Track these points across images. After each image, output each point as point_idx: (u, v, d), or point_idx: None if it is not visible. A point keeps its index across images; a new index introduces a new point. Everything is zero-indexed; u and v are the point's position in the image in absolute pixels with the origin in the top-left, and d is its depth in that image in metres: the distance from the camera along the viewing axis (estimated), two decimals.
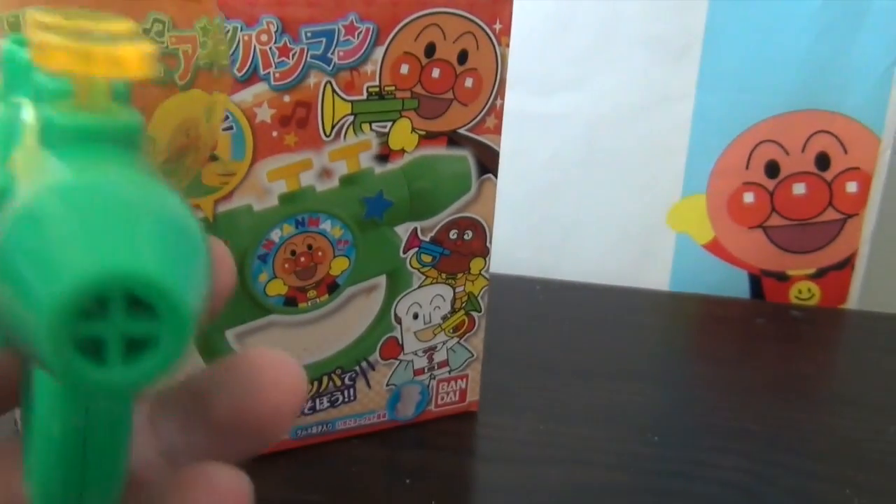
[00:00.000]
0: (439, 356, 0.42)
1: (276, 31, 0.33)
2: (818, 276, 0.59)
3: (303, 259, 0.37)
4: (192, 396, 0.17)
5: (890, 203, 0.57)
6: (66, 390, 0.14)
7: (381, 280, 0.39)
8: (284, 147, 0.35)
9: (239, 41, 0.32)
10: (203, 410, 0.17)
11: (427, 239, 0.39)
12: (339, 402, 0.41)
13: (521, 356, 0.50)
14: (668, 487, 0.40)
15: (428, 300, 0.41)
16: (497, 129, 0.39)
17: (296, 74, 0.34)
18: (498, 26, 0.37)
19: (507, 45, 0.37)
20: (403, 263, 0.39)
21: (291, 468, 0.40)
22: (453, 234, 0.40)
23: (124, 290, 0.12)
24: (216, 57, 0.31)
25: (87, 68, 0.14)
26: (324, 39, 0.34)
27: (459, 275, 0.41)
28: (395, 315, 0.40)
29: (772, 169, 0.57)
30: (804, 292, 0.59)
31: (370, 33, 0.34)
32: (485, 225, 0.41)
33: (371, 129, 0.36)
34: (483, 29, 0.37)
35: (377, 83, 0.35)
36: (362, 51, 0.35)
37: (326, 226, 0.37)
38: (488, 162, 0.39)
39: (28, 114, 0.15)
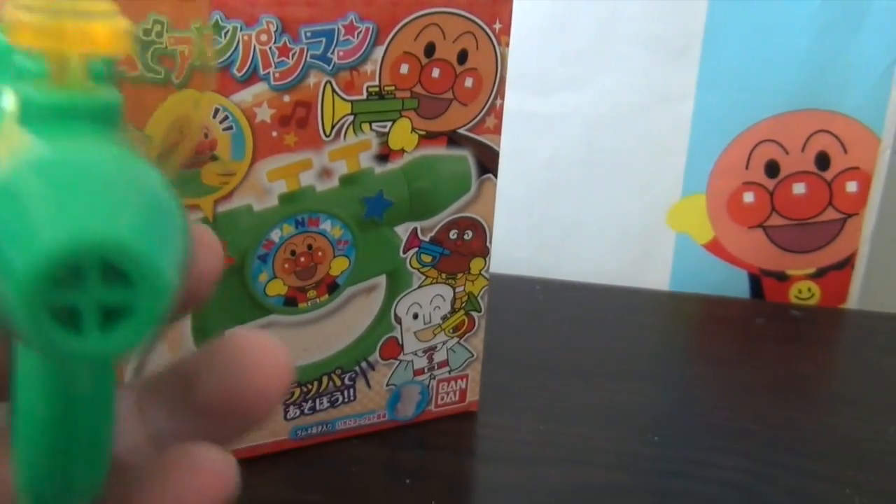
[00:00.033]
0: (439, 356, 0.42)
1: (275, 31, 0.33)
2: (818, 275, 0.59)
3: (303, 259, 0.37)
4: (179, 381, 0.17)
5: (890, 203, 0.57)
6: (48, 366, 0.14)
7: (381, 280, 0.39)
8: (284, 147, 0.35)
9: (239, 41, 0.32)
10: (189, 395, 0.17)
11: (427, 239, 0.39)
12: (339, 402, 0.41)
13: (521, 356, 0.50)
14: (668, 487, 0.40)
15: (428, 300, 0.41)
16: (497, 129, 0.39)
17: (295, 74, 0.34)
18: (498, 26, 0.37)
19: (507, 45, 0.37)
20: (403, 263, 0.39)
21: (291, 468, 0.40)
22: (453, 234, 0.40)
23: (98, 258, 0.12)
24: (206, 57, 0.31)
25: (60, 45, 0.14)
26: (323, 39, 0.34)
27: (459, 275, 0.41)
28: (395, 315, 0.40)
29: (772, 168, 0.57)
30: (804, 292, 0.59)
31: (370, 33, 0.34)
32: (485, 225, 0.40)
33: (371, 128, 0.36)
34: (483, 29, 0.37)
35: (377, 83, 0.35)
36: (362, 50, 0.35)
37: (326, 226, 0.37)
38: (488, 162, 0.39)
39: (8, 100, 0.15)
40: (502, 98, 0.38)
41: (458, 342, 0.43)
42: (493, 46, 0.37)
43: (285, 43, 0.33)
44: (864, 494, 0.40)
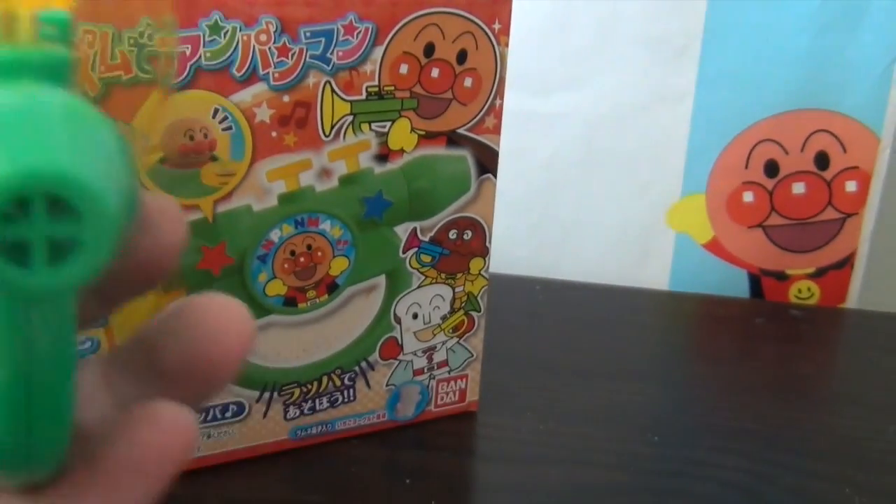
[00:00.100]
0: (439, 356, 0.42)
1: (275, 31, 0.33)
2: (818, 275, 0.59)
3: (302, 259, 0.37)
4: (143, 347, 0.17)
5: (889, 202, 0.57)
6: (4, 320, 0.14)
7: (381, 280, 0.39)
8: (284, 147, 0.35)
9: (238, 41, 0.32)
10: (153, 360, 0.17)
11: (426, 239, 0.39)
12: (339, 402, 0.41)
13: (521, 356, 0.50)
14: (668, 487, 0.40)
15: (427, 300, 0.41)
16: (496, 129, 0.39)
17: (295, 74, 0.34)
18: (497, 26, 0.37)
19: (507, 45, 0.37)
20: (403, 263, 0.39)
21: (291, 468, 0.40)
22: (453, 234, 0.40)
23: (44, 191, 0.12)
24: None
25: (7, 1, 0.14)
26: (323, 39, 0.34)
27: (459, 275, 0.41)
28: (395, 315, 0.40)
29: (771, 168, 0.57)
30: (804, 291, 0.59)
31: (369, 33, 0.34)
32: (484, 225, 0.40)
33: (370, 128, 0.36)
34: (482, 29, 0.37)
35: (376, 83, 0.35)
36: (361, 51, 0.35)
37: (326, 226, 0.37)
38: (488, 162, 0.39)
39: None
40: (502, 98, 0.38)
41: (458, 342, 0.43)
42: (493, 46, 0.37)
43: (285, 43, 0.33)
44: (864, 494, 0.40)
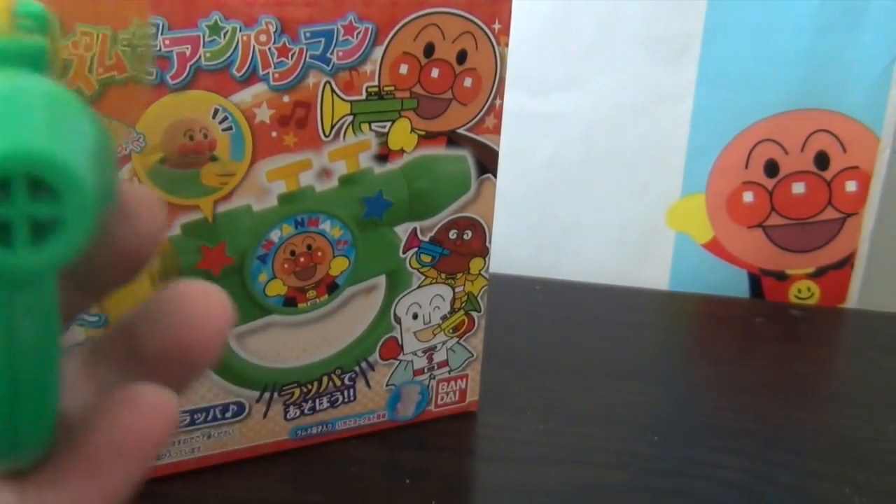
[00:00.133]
0: (439, 356, 0.42)
1: (274, 32, 0.33)
2: (817, 275, 0.59)
3: (302, 259, 0.37)
4: (124, 335, 0.18)
5: (889, 202, 0.57)
6: None
7: (381, 280, 0.39)
8: (284, 147, 0.35)
9: (238, 41, 0.32)
10: (135, 348, 0.17)
11: (426, 239, 0.39)
12: (339, 402, 0.41)
13: (521, 356, 0.50)
14: (668, 487, 0.40)
15: (427, 300, 0.41)
16: (496, 129, 0.39)
17: (295, 74, 0.34)
18: (497, 26, 0.37)
19: (507, 45, 0.37)
20: (403, 263, 0.39)
21: (291, 468, 0.40)
22: (453, 234, 0.40)
23: (25, 172, 0.13)
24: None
25: None
26: (323, 39, 0.34)
27: (459, 275, 0.41)
28: (395, 315, 0.40)
29: (771, 168, 0.57)
30: (804, 291, 0.59)
31: (369, 33, 0.34)
32: (484, 225, 0.41)
33: (370, 129, 0.36)
34: (482, 29, 0.37)
35: (376, 83, 0.35)
36: (361, 51, 0.35)
37: (326, 226, 0.37)
38: (487, 162, 0.39)
39: None
40: (502, 98, 0.38)
41: (458, 342, 0.43)
42: (493, 46, 0.37)
43: (284, 43, 0.33)
44: (863, 494, 0.40)
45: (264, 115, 0.34)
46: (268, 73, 0.33)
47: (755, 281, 0.59)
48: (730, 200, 0.58)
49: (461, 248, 0.40)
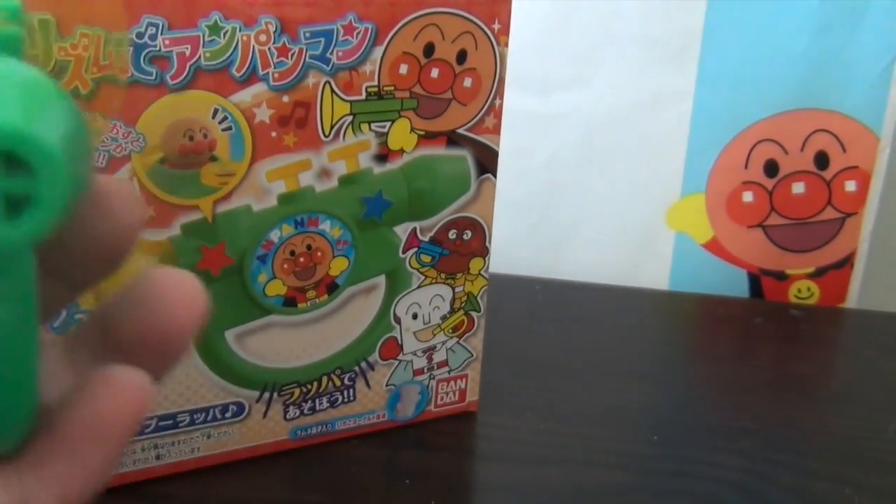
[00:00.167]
0: (439, 356, 0.42)
1: (274, 32, 0.33)
2: (817, 275, 0.59)
3: (302, 259, 0.37)
4: (102, 324, 0.18)
5: (889, 202, 0.57)
6: None
7: (381, 280, 0.39)
8: (283, 147, 0.35)
9: (237, 41, 0.32)
10: (111, 335, 0.18)
11: (426, 239, 0.39)
12: (339, 402, 0.41)
13: (521, 356, 0.50)
14: (669, 487, 0.40)
15: (427, 300, 0.41)
16: (496, 129, 0.39)
17: (294, 74, 0.34)
18: (497, 26, 0.37)
19: (506, 45, 0.37)
20: (403, 263, 0.39)
21: (291, 468, 0.40)
22: (452, 234, 0.40)
23: (0, 147, 0.13)
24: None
25: None
26: (322, 39, 0.34)
27: (459, 275, 0.41)
28: (395, 315, 0.40)
29: (771, 168, 0.57)
30: (803, 291, 0.59)
31: (369, 33, 0.34)
32: (484, 225, 0.40)
33: (370, 129, 0.36)
34: (482, 29, 0.37)
35: (376, 83, 0.35)
36: (361, 51, 0.35)
37: (326, 226, 0.37)
38: (487, 162, 0.39)
39: None
40: (501, 98, 0.38)
41: (458, 342, 0.43)
42: (492, 46, 0.37)
43: (284, 43, 0.33)
44: (863, 493, 0.40)
45: (264, 115, 0.34)
46: (267, 73, 0.33)
47: (755, 281, 0.59)
48: (730, 200, 0.58)
49: (461, 248, 0.40)
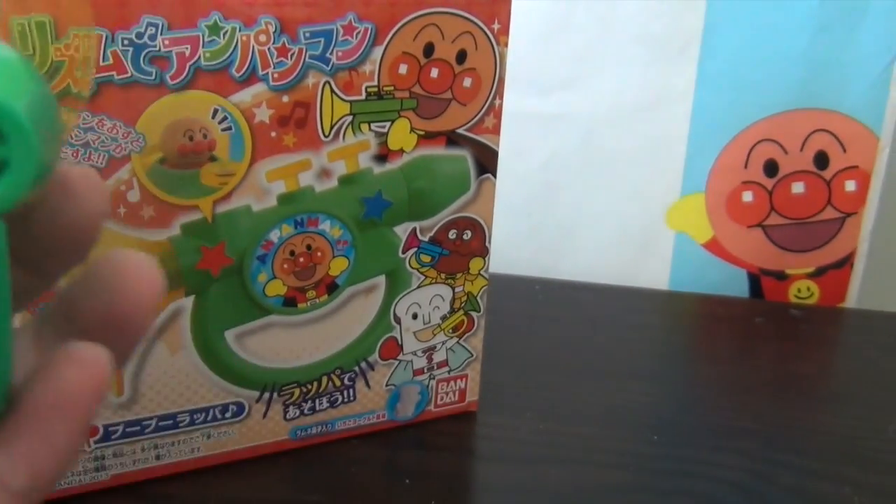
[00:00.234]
0: (439, 356, 0.42)
1: (274, 32, 0.33)
2: (817, 274, 0.59)
3: (302, 259, 0.37)
4: (65, 306, 0.18)
5: (889, 202, 0.57)
6: None
7: (381, 280, 0.39)
8: (283, 147, 0.35)
9: (237, 41, 0.32)
10: (74, 317, 0.18)
11: (426, 239, 0.39)
12: (339, 402, 0.41)
13: (521, 356, 0.50)
14: (669, 487, 0.40)
15: (427, 300, 0.41)
16: (496, 129, 0.39)
17: (294, 74, 0.34)
18: (496, 26, 0.37)
19: (506, 45, 0.37)
20: (402, 263, 0.39)
21: (291, 468, 0.40)
22: (452, 234, 0.40)
23: None
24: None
25: None
26: (322, 39, 0.34)
27: (458, 275, 0.41)
28: (395, 315, 0.40)
29: (770, 168, 0.57)
30: (803, 291, 0.59)
31: (368, 33, 0.34)
32: (484, 225, 0.40)
33: (370, 129, 0.36)
34: (481, 29, 0.37)
35: (376, 83, 0.35)
36: (361, 51, 0.35)
37: (325, 226, 0.37)
38: (487, 162, 0.39)
39: None
40: (501, 98, 0.38)
41: (458, 342, 0.43)
42: (492, 46, 0.37)
43: (284, 43, 0.33)
44: (863, 493, 0.40)
45: (264, 115, 0.34)
46: (267, 73, 0.33)
47: (755, 281, 0.59)
48: (729, 200, 0.58)
49: (461, 248, 0.40)
